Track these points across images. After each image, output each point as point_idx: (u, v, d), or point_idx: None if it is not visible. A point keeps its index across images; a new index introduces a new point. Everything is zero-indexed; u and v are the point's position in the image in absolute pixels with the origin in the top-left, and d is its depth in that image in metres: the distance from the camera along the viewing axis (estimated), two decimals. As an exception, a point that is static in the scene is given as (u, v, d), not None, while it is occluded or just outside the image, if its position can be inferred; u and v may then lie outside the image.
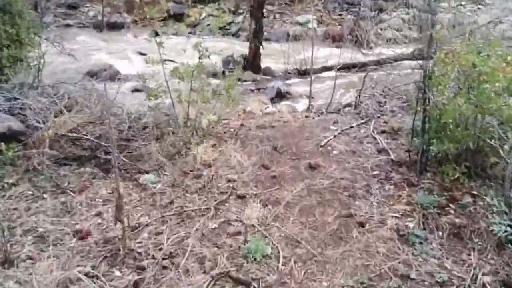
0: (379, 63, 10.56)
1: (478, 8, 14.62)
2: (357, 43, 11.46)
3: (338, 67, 8.06)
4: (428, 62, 4.24)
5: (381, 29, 12.55)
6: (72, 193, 4.02)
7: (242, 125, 5.70)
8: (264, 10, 12.42)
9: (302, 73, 9.94)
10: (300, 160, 4.72)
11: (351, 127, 5.48)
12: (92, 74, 8.72)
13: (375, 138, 5.14)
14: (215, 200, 4.02)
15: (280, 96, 8.78)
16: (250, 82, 9.56)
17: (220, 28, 12.10)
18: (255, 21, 9.83)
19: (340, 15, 13.78)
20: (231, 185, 4.24)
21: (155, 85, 5.20)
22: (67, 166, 4.41)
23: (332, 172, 4.48)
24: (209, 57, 5.27)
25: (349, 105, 7.11)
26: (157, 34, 11.43)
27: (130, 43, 11.60)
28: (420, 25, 12.03)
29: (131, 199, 4.02)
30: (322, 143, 5.00)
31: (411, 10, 13.01)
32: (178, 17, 12.80)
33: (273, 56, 10.53)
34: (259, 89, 9.04)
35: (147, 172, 4.40)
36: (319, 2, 13.63)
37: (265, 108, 7.41)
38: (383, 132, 5.31)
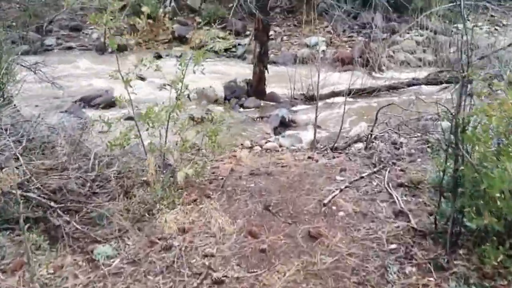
0: (392, 88, 9.45)
1: (495, 29, 13.38)
2: (368, 67, 10.33)
3: (349, 94, 6.97)
4: (461, 109, 3.12)
5: (393, 52, 11.41)
6: (1, 274, 2.97)
7: (232, 170, 4.62)
8: (272, 32, 11.43)
9: (309, 99, 8.90)
10: (298, 224, 3.60)
11: (361, 177, 4.33)
12: (85, 101, 7.84)
13: (390, 194, 3.98)
14: (184, 287, 2.93)
15: (284, 125, 7.78)
16: (253, 109, 8.57)
17: (225, 50, 11.10)
18: (260, 44, 8.84)
19: (351, 37, 12.64)
20: (207, 263, 3.14)
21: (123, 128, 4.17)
22: (7, 231, 3.36)
23: (337, 245, 3.34)
24: (188, 96, 4.26)
25: (359, 139, 5.99)
26: (160, 56, 10.59)
27: (131, 67, 10.69)
28: (435, 48, 10.86)
29: (75, 283, 2.94)
30: (326, 201, 3.88)
31: (425, 32, 11.83)
32: (183, 39, 11.85)
33: (279, 80, 9.50)
34: (262, 117, 8.01)
35: (105, 241, 3.34)
36: (328, 24, 12.52)
37: (265, 143, 6.37)
38: (400, 185, 4.14)
